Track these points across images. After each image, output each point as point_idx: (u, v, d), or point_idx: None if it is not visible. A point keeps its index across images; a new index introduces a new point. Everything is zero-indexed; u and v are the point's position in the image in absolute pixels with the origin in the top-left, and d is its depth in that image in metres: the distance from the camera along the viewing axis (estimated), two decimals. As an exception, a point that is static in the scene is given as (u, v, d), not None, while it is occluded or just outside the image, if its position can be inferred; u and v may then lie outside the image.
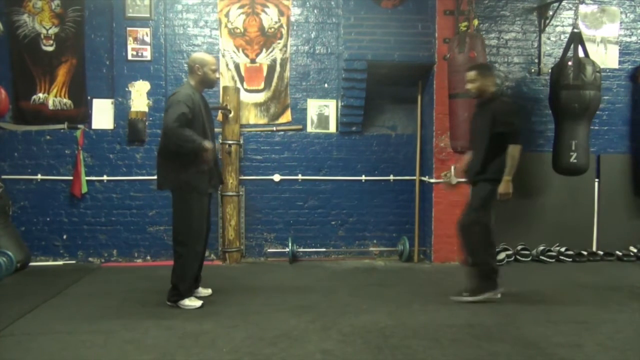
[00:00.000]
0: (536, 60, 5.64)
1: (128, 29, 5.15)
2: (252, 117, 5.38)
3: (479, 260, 3.84)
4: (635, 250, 5.49)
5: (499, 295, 3.87)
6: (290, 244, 5.26)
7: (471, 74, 3.92)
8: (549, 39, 5.66)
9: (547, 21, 5.57)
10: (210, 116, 3.89)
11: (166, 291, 3.74)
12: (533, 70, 5.63)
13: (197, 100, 3.65)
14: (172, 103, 3.55)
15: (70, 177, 5.13)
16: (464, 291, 3.90)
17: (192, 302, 3.69)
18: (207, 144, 3.55)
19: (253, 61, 5.35)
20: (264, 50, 5.35)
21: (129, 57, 5.16)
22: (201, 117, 3.66)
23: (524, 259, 5.33)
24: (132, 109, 5.16)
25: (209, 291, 3.99)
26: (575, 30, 4.99)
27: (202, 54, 3.85)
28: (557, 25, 5.66)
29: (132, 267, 5.05)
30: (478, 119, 3.97)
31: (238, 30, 5.32)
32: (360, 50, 5.26)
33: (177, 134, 3.45)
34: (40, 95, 5.18)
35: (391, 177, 5.48)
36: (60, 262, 5.16)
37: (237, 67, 5.33)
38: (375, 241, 5.49)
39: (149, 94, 5.17)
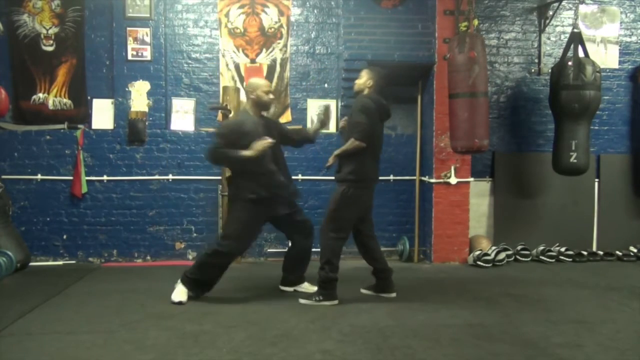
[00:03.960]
0: (536, 60, 5.64)
1: (128, 29, 5.15)
2: (252, 117, 5.38)
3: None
4: (635, 250, 5.49)
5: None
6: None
7: (362, 72, 3.94)
8: (549, 39, 5.66)
9: (547, 21, 5.57)
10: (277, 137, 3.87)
11: (167, 291, 3.76)
12: (533, 70, 5.63)
13: (249, 123, 3.79)
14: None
15: (70, 177, 5.13)
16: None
17: (180, 296, 3.74)
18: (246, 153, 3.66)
19: (253, 61, 5.35)
20: (264, 50, 5.35)
21: (129, 57, 5.16)
22: (252, 138, 3.68)
23: (524, 259, 5.32)
24: (132, 109, 5.16)
25: (314, 288, 3.95)
26: (575, 30, 5.00)
27: (257, 78, 4.09)
28: (557, 25, 5.67)
29: (132, 267, 5.05)
30: None
31: (238, 30, 5.32)
32: (360, 50, 5.26)
33: (214, 156, 3.83)
34: (40, 95, 5.18)
35: (391, 177, 5.48)
36: (60, 262, 5.15)
37: (237, 67, 5.33)
38: (375, 241, 5.47)
39: (149, 94, 5.18)
